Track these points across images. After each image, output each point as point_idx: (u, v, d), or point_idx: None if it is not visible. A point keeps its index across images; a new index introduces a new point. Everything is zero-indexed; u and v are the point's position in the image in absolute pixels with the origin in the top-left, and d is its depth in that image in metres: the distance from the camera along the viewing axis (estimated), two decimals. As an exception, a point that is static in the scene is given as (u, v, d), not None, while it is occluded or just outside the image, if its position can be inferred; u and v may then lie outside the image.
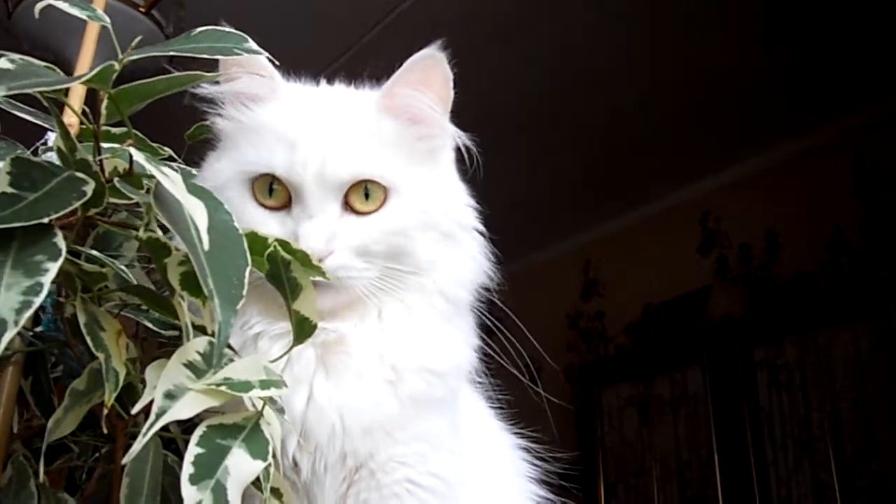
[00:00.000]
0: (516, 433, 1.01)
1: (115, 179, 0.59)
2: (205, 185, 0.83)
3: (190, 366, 0.58)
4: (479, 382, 0.97)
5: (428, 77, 0.86)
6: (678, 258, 4.35)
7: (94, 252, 0.74)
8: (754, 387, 3.66)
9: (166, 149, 0.89)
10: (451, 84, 0.88)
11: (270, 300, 0.75)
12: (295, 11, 3.12)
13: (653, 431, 4.08)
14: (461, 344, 0.87)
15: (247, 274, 0.55)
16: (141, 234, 0.65)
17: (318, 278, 0.68)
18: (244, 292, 0.54)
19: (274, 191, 0.81)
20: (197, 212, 0.51)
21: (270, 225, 0.80)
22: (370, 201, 0.81)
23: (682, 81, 3.52)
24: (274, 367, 0.75)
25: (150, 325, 0.76)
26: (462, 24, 3.05)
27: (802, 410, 3.49)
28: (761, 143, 3.97)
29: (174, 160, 0.88)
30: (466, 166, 0.96)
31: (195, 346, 0.59)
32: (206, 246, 0.51)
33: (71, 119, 0.76)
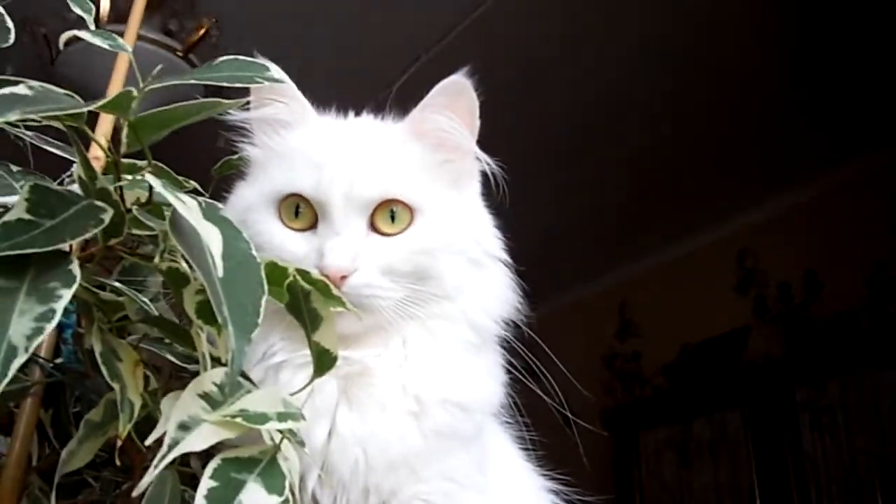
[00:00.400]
0: (545, 475, 0.97)
1: (135, 208, 0.59)
2: (232, 211, 0.84)
3: (206, 397, 0.56)
4: (509, 422, 0.95)
5: (454, 102, 0.86)
6: (715, 298, 4.28)
7: (115, 283, 0.74)
8: (796, 429, 3.56)
9: (192, 182, 0.89)
10: (477, 111, 0.88)
11: (293, 328, 0.74)
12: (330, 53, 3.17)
13: (692, 475, 3.98)
14: (488, 377, 0.85)
15: (263, 302, 0.54)
16: (159, 263, 0.65)
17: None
18: (259, 321, 0.52)
19: (300, 212, 0.81)
20: (212, 238, 0.50)
21: (296, 244, 0.80)
22: (396, 223, 0.81)
23: (718, 117, 3.50)
24: (295, 399, 0.74)
25: (173, 358, 0.76)
26: (500, 58, 3.07)
27: (847, 454, 3.38)
28: (798, 179, 3.92)
29: (200, 193, 0.88)
30: (495, 196, 0.95)
31: (211, 377, 0.58)
32: (221, 273, 0.50)
33: (97, 153, 0.77)
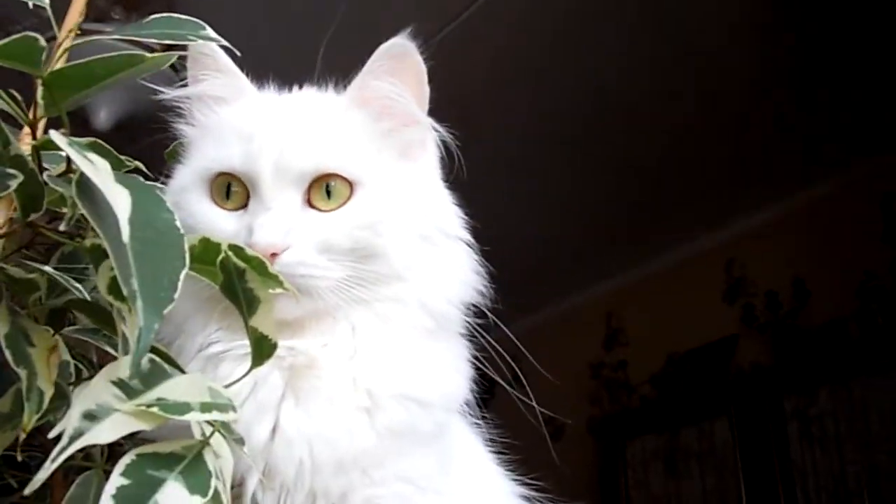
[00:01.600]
0: (518, 480, 0.91)
1: (46, 175, 0.53)
2: (170, 194, 0.78)
3: (120, 384, 0.50)
4: (479, 424, 0.89)
5: (398, 67, 0.80)
6: (703, 307, 4.23)
7: (45, 267, 0.68)
8: (785, 439, 3.51)
9: (136, 162, 0.83)
10: (425, 77, 0.82)
11: (233, 316, 0.68)
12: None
13: (679, 485, 3.92)
14: (450, 370, 0.78)
15: (181, 276, 0.48)
16: (85, 241, 0.59)
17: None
18: (175, 296, 0.46)
19: (232, 192, 0.76)
20: (118, 200, 0.44)
21: (227, 223, 0.74)
22: (333, 198, 0.75)
23: (706, 126, 3.46)
24: (236, 393, 0.68)
25: (110, 349, 0.69)
26: (486, 63, 3.02)
27: (837, 464, 3.32)
28: (786, 188, 3.88)
29: (147, 177, 0.82)
30: (450, 169, 0.89)
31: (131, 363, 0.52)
32: (127, 237, 0.44)
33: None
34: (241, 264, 0.56)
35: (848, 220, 3.69)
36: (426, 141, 0.84)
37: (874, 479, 3.19)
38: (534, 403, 0.89)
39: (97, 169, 0.45)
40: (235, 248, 0.56)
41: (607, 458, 4.30)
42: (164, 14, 0.60)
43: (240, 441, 0.60)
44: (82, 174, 0.47)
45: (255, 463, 0.67)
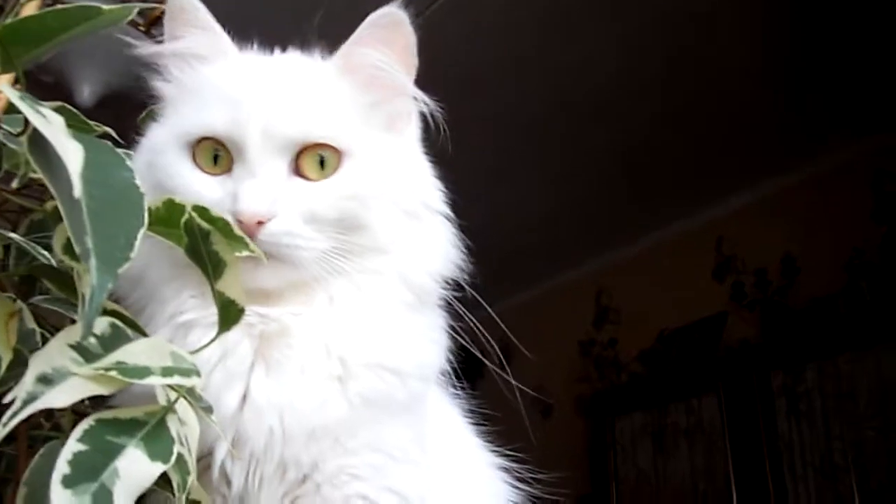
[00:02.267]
0: (497, 451, 0.90)
1: (1, 134, 0.51)
2: (142, 154, 0.76)
3: (79, 347, 0.48)
4: (458, 394, 0.88)
5: (388, 36, 0.78)
6: (692, 284, 4.23)
7: (10, 234, 0.66)
8: (772, 415, 3.52)
9: (104, 127, 0.81)
10: (415, 48, 0.79)
11: (206, 283, 0.66)
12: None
13: (668, 461, 3.94)
14: (426, 340, 0.77)
15: (139, 235, 0.46)
16: (47, 205, 0.57)
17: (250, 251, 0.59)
18: (132, 255, 0.45)
19: (218, 157, 0.73)
20: (70, 154, 0.42)
21: (210, 189, 0.71)
22: (324, 169, 0.73)
23: (695, 104, 3.44)
24: (205, 360, 0.66)
25: (75, 316, 0.68)
26: (480, 40, 2.99)
27: (823, 439, 3.34)
28: (776, 166, 3.87)
29: (117, 143, 0.80)
30: (435, 142, 0.87)
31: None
32: (78, 193, 0.42)
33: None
34: (206, 226, 0.54)
35: (837, 198, 3.69)
36: (412, 113, 0.83)
37: (860, 455, 3.20)
38: (512, 380, 0.87)
39: (49, 123, 0.44)
40: (200, 210, 0.54)
41: (596, 435, 4.31)
42: (127, -31, 0.58)
43: (208, 409, 0.59)
44: (35, 129, 0.45)
45: (224, 432, 0.65)
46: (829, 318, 3.48)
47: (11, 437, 0.70)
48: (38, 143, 0.45)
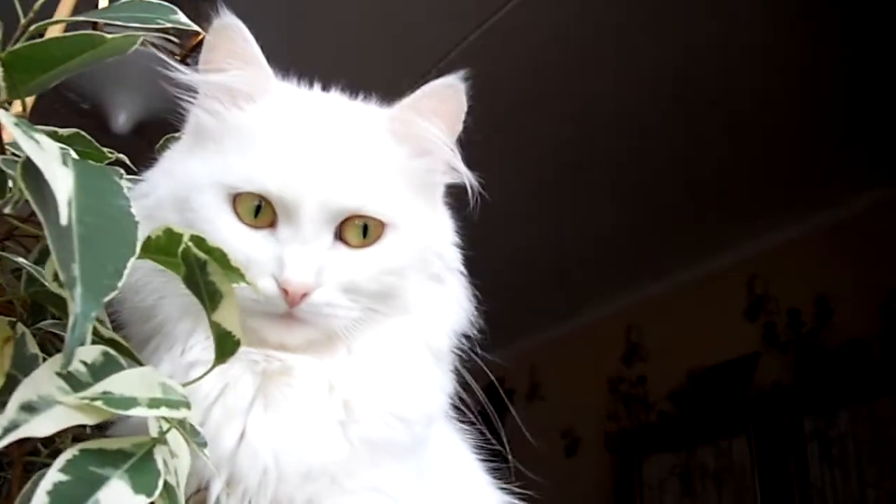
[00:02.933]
0: (505, 489, 0.87)
1: (2, 159, 0.51)
2: (171, 180, 0.74)
3: (67, 376, 0.48)
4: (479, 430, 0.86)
5: (444, 107, 0.78)
6: (724, 323, 4.17)
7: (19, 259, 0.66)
8: (804, 459, 3.43)
9: (120, 155, 0.82)
10: (463, 116, 0.80)
11: None
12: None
13: (695, 504, 3.86)
14: (435, 389, 0.76)
15: (128, 265, 0.46)
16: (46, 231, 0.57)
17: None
18: (119, 284, 0.44)
19: (261, 210, 0.71)
20: (58, 181, 0.42)
21: (253, 246, 0.69)
22: (368, 236, 0.73)
23: (729, 142, 3.41)
24: (204, 395, 0.66)
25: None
26: (505, 76, 3.00)
27: (857, 487, 3.24)
28: (810, 204, 3.82)
29: (130, 170, 0.81)
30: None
31: (82, 355, 0.50)
32: (64, 219, 0.41)
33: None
34: (203, 256, 0.54)
35: (873, 238, 3.62)
36: (446, 176, 0.83)
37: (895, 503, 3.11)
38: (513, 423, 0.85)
39: (41, 149, 0.44)
40: (197, 239, 0.54)
41: (623, 475, 4.23)
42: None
43: (202, 443, 0.58)
44: (28, 157, 0.45)
45: (220, 468, 0.64)
46: (863, 361, 3.40)
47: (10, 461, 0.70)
48: (31, 170, 0.45)
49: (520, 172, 3.46)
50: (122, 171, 0.71)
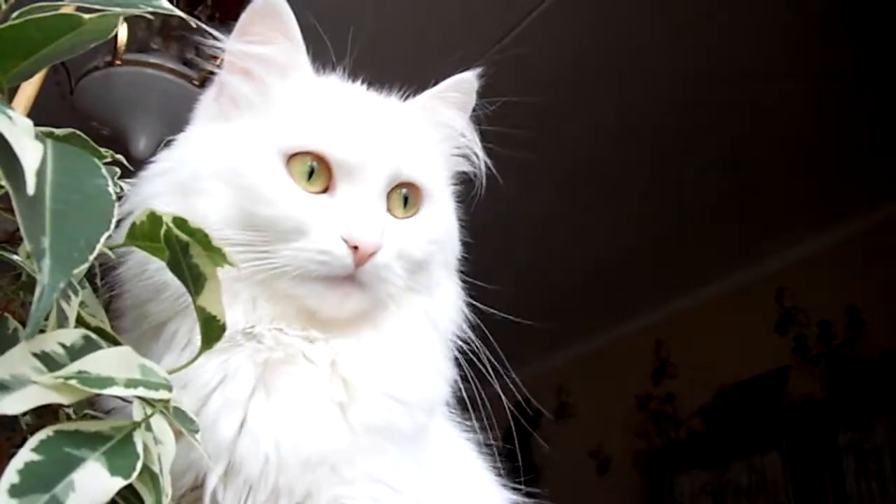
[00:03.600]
0: (508, 486, 0.86)
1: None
2: (211, 152, 0.74)
3: (44, 357, 0.47)
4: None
5: (465, 101, 0.84)
6: (753, 337, 4.10)
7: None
8: (840, 474, 3.35)
9: (118, 156, 0.81)
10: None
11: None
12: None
13: (728, 522, 3.78)
14: (433, 372, 0.75)
15: (101, 240, 0.45)
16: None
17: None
18: (90, 257, 0.43)
19: (314, 174, 0.72)
20: (27, 153, 0.41)
21: (313, 207, 0.70)
22: (408, 207, 0.76)
23: (753, 153, 3.37)
24: (203, 384, 0.65)
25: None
26: (538, 83, 3.00)
27: (894, 500, 3.16)
28: (836, 214, 3.76)
29: (125, 170, 0.81)
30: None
31: (59, 337, 0.49)
32: (31, 190, 0.41)
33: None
34: (185, 238, 0.53)
35: (904, 247, 3.56)
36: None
37: (936, 517, 3.03)
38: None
39: (13, 124, 0.43)
40: (179, 221, 0.53)
41: (654, 493, 4.17)
42: (119, -15, 0.58)
43: (195, 430, 0.57)
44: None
45: (219, 457, 0.64)
46: (898, 373, 3.33)
47: None
48: (3, 147, 0.45)
49: (545, 189, 3.44)
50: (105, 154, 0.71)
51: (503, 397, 0.83)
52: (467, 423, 0.83)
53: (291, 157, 0.72)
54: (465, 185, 0.89)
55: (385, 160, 0.72)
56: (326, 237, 0.68)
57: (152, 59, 2.71)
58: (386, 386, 0.70)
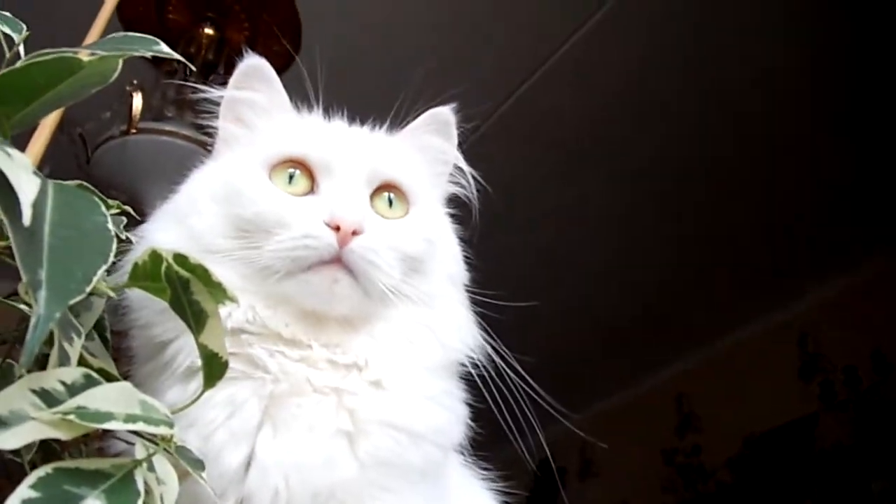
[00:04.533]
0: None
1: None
2: (212, 184, 0.79)
3: (43, 394, 0.47)
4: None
5: (446, 131, 0.89)
6: (778, 386, 4.02)
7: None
8: (875, 522, 3.25)
9: (126, 207, 0.82)
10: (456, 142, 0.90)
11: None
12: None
13: (762, 578, 3.66)
14: (440, 405, 0.74)
15: (99, 273, 0.45)
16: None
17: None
18: (87, 289, 0.43)
19: (294, 178, 0.76)
20: (23, 186, 0.42)
21: (297, 206, 0.74)
22: (393, 209, 0.79)
23: (772, 195, 3.37)
24: (210, 420, 0.65)
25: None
26: (542, 150, 3.03)
27: (933, 548, 3.05)
28: (858, 257, 3.72)
29: (133, 220, 0.81)
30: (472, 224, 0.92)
31: (61, 375, 0.49)
32: (27, 221, 0.41)
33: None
34: (186, 274, 0.53)
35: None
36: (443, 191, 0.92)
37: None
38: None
39: (10, 159, 0.44)
40: (179, 258, 0.53)
41: (684, 550, 4.05)
42: (121, 34, 0.60)
43: (199, 468, 0.56)
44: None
45: (227, 492, 0.63)
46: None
47: None
48: (1, 182, 0.45)
49: (564, 237, 3.45)
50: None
51: (525, 455, 0.82)
52: (491, 479, 0.81)
53: (274, 168, 0.77)
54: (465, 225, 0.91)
55: (362, 158, 0.78)
56: (309, 224, 0.71)
57: (167, 127, 2.77)
58: (389, 416, 0.69)
